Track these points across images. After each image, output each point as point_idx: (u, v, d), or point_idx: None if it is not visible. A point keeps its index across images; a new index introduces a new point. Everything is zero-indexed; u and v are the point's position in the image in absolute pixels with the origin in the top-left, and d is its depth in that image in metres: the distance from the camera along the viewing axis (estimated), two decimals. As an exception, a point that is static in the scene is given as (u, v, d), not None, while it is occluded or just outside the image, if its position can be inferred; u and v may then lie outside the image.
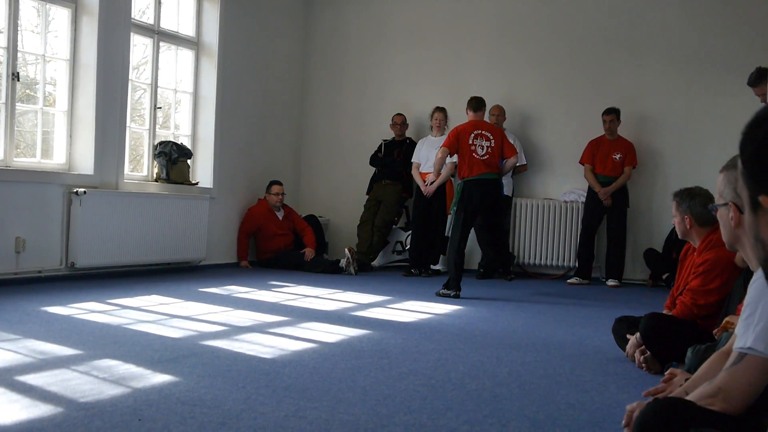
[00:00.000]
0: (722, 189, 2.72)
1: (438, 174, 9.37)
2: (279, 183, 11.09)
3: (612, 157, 10.38)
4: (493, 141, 8.84)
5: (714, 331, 4.44)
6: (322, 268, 10.54)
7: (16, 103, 8.19)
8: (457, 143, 8.79)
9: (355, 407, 3.74)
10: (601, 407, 3.95)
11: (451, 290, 8.40)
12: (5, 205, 7.82)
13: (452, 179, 10.93)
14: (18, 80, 8.16)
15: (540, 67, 11.33)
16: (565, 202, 11.02)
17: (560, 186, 11.21)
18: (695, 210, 4.93)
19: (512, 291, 9.30)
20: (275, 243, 10.92)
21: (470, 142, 8.75)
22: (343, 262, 10.46)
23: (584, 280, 10.41)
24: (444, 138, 10.66)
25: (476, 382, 4.41)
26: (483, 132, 8.88)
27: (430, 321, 6.79)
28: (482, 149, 8.75)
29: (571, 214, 10.99)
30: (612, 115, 10.36)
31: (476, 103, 9.17)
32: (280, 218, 11.05)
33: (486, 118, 10.82)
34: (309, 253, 10.81)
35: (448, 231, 10.95)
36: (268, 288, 8.62)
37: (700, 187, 5.08)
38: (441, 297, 8.32)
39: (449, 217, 10.77)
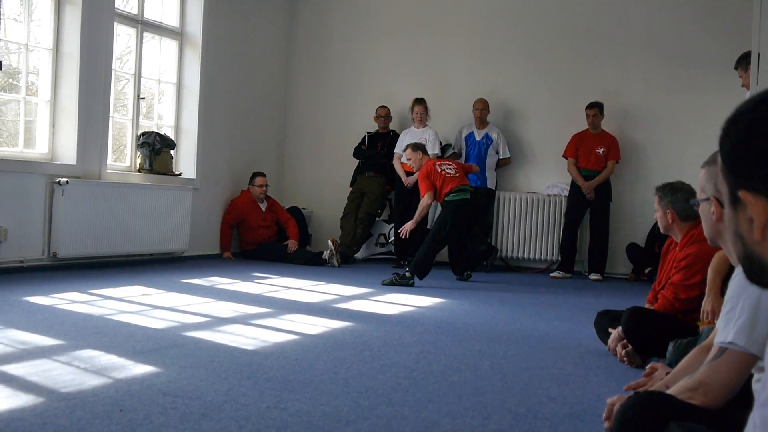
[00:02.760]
0: (704, 184, 2.73)
1: (417, 221, 9.26)
2: (262, 174, 11.07)
3: (595, 151, 10.40)
4: (454, 164, 9.37)
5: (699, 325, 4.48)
6: (305, 259, 10.53)
7: (-1, 92, 8.15)
8: (430, 179, 9.11)
9: (337, 399, 3.74)
10: (582, 400, 3.97)
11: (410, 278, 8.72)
12: (-13, 194, 7.80)
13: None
14: (1, 69, 8.12)
15: (524, 61, 11.34)
16: (548, 195, 11.04)
17: (543, 179, 11.23)
18: (677, 205, 4.95)
19: (494, 284, 9.32)
20: (258, 234, 10.91)
21: (439, 170, 9.12)
22: (326, 254, 10.45)
23: (567, 273, 10.44)
24: (427, 129, 10.72)
25: (458, 374, 4.42)
26: (444, 162, 9.45)
27: (413, 313, 6.79)
28: (451, 169, 9.18)
29: (554, 207, 11.01)
30: (595, 109, 10.39)
31: (424, 148, 9.65)
32: (263, 210, 11.03)
33: (470, 113, 10.93)
34: (292, 245, 10.80)
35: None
36: (251, 279, 8.62)
37: (682, 182, 5.09)
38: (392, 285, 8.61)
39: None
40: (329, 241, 10.56)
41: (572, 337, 5.90)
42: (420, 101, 10.87)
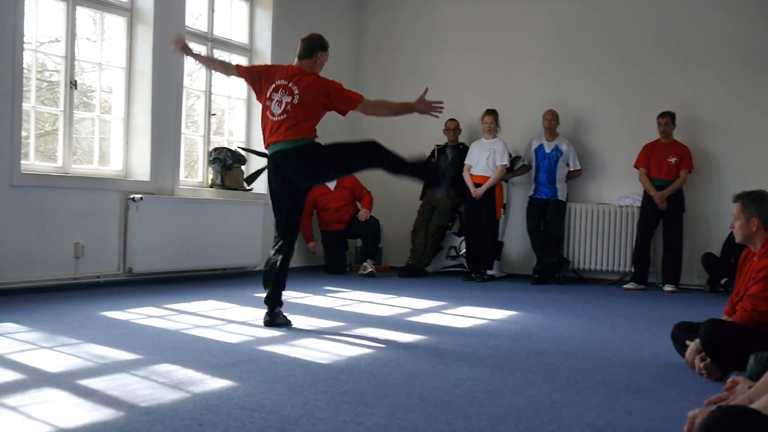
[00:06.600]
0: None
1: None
2: None
3: (667, 161, 10.28)
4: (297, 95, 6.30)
5: None
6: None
7: (74, 111, 8.31)
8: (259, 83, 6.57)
9: (413, 413, 3.73)
10: (661, 414, 3.91)
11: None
12: (64, 211, 7.94)
13: (502, 183, 10.89)
14: (75, 88, 8.27)
15: (592, 71, 11.25)
16: (620, 206, 10.93)
17: (615, 190, 11.12)
18: (764, 212, 4.86)
19: (568, 296, 9.23)
20: (333, 215, 11.13)
21: (268, 95, 6.42)
22: (363, 269, 10.79)
23: (640, 285, 10.31)
24: (497, 140, 10.72)
25: (534, 388, 4.39)
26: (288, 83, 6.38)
27: (486, 327, 6.76)
28: (279, 106, 6.32)
29: (626, 218, 10.90)
30: (667, 117, 10.27)
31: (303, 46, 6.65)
32: (332, 188, 11.11)
33: (539, 125, 10.88)
34: (362, 213, 11.08)
35: (501, 236, 10.98)
36: (323, 293, 8.65)
37: (766, 191, 5.01)
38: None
39: (500, 221, 10.79)
40: (372, 270, 10.77)
41: (648, 350, 5.82)
42: (491, 112, 10.83)
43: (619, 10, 11.20)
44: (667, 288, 10.16)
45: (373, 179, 11.89)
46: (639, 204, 10.64)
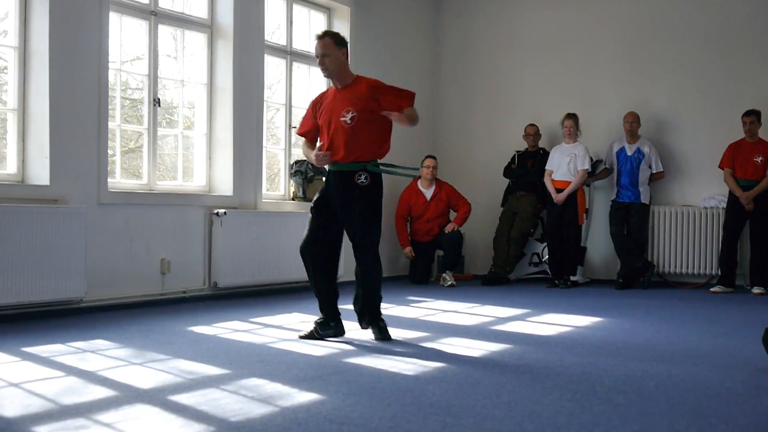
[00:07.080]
0: None
1: None
2: (431, 156, 11.28)
3: (753, 160, 10.09)
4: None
5: None
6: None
7: (157, 128, 8.45)
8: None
9: (501, 424, 3.72)
10: (755, 421, 3.84)
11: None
12: (150, 227, 8.08)
13: (584, 188, 10.80)
14: (159, 105, 8.41)
15: (673, 71, 11.10)
16: (705, 208, 10.76)
17: (699, 192, 10.94)
18: None
19: (653, 301, 9.13)
20: (426, 226, 11.13)
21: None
22: (443, 281, 10.75)
23: (728, 288, 10.13)
24: (578, 144, 10.63)
25: (623, 396, 4.33)
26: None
27: (571, 334, 6.71)
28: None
29: (711, 220, 10.73)
30: (752, 116, 10.08)
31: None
32: (428, 198, 11.11)
33: (620, 128, 10.75)
34: (449, 226, 11.01)
35: (584, 241, 10.88)
36: (407, 303, 8.66)
37: None
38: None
39: (583, 226, 10.70)
40: (452, 282, 10.70)
41: (739, 355, 5.72)
42: (571, 116, 10.74)
43: (699, 7, 11.04)
44: (756, 290, 9.97)
45: (452, 184, 11.87)
46: (724, 205, 10.46)
